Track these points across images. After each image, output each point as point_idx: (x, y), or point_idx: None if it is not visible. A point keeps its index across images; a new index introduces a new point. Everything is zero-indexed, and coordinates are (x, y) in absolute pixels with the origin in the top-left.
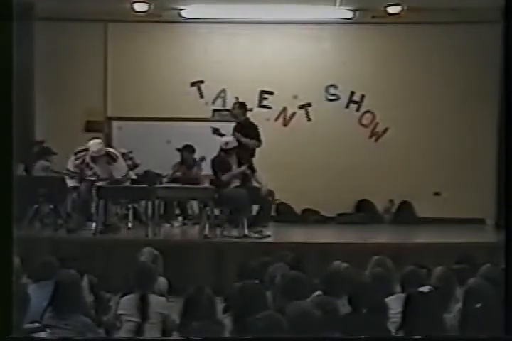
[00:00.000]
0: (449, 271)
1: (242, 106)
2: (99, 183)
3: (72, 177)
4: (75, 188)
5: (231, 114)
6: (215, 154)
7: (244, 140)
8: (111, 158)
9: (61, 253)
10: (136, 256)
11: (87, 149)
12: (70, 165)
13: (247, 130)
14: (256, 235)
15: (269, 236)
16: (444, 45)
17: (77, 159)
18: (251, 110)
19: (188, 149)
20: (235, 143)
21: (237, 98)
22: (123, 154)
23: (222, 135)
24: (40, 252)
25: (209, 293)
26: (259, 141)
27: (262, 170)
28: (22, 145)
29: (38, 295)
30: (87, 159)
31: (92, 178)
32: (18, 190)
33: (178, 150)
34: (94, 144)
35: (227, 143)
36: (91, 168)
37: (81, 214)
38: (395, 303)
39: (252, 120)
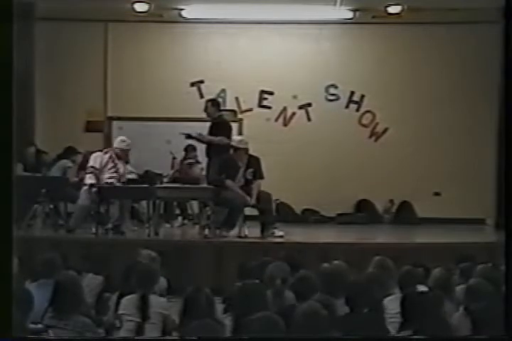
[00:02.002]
0: (448, 272)
1: (215, 103)
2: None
3: (92, 173)
4: (92, 185)
5: (206, 113)
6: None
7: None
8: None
9: (61, 253)
10: (135, 257)
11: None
12: (95, 161)
13: (220, 129)
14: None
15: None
16: (444, 45)
17: (106, 153)
18: (251, 110)
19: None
20: (247, 145)
21: (237, 98)
22: None
23: (193, 137)
24: (40, 252)
25: (208, 293)
26: (230, 139)
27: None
28: (21, 146)
29: (38, 296)
30: (113, 155)
31: (110, 180)
32: (18, 190)
33: (184, 149)
34: (118, 141)
35: (240, 141)
36: (115, 164)
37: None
38: (394, 303)
39: (225, 118)
